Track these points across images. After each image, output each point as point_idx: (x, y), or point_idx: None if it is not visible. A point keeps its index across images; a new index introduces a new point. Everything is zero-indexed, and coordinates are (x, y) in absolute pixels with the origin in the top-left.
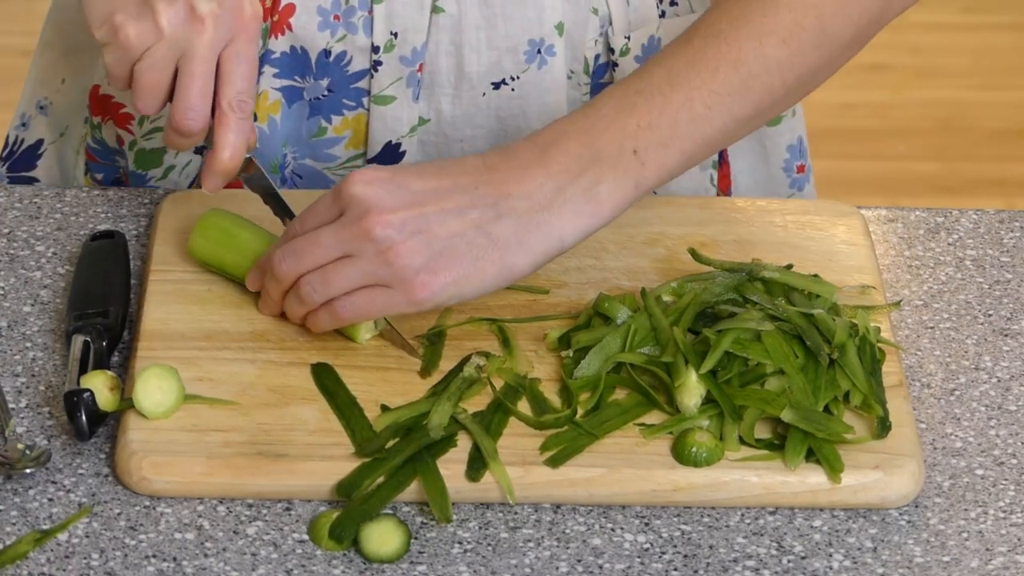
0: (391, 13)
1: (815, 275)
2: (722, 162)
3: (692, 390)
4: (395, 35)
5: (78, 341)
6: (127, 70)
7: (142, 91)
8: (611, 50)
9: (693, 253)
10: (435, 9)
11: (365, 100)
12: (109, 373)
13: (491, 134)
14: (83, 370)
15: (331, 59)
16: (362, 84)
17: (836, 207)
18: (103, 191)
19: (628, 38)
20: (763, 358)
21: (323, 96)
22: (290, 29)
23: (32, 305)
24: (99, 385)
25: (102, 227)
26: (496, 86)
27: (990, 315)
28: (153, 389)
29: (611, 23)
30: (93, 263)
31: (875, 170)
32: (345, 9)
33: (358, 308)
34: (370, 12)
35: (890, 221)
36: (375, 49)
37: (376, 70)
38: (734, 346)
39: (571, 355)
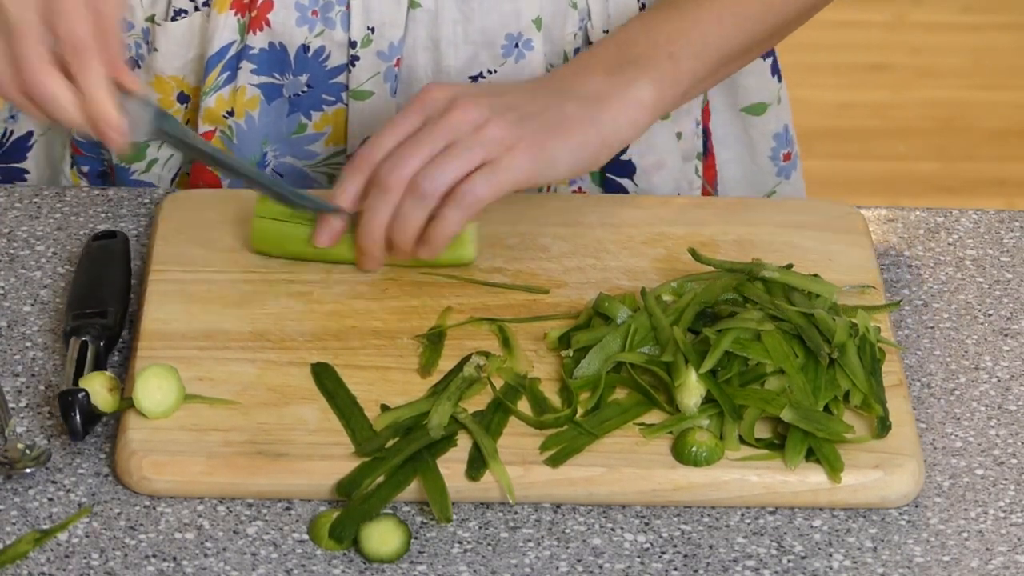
0: (368, 8)
1: (815, 275)
2: (707, 153)
3: (692, 390)
4: (372, 30)
5: (76, 341)
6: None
7: (35, 74)
8: (590, 43)
9: (693, 253)
10: (412, 4)
11: (344, 95)
12: (108, 374)
13: None
14: (81, 370)
15: (309, 54)
16: (340, 79)
17: (836, 207)
18: (103, 191)
19: (607, 32)
20: (763, 358)
21: (302, 92)
22: (268, 25)
23: (32, 305)
24: (98, 386)
25: (102, 227)
26: (474, 79)
27: (990, 315)
28: (153, 389)
29: (590, 17)
30: (93, 263)
31: (875, 170)
32: (323, 4)
33: (479, 189)
34: (347, 7)
35: (890, 221)
36: (352, 44)
37: (353, 65)
38: (734, 346)
39: (571, 355)
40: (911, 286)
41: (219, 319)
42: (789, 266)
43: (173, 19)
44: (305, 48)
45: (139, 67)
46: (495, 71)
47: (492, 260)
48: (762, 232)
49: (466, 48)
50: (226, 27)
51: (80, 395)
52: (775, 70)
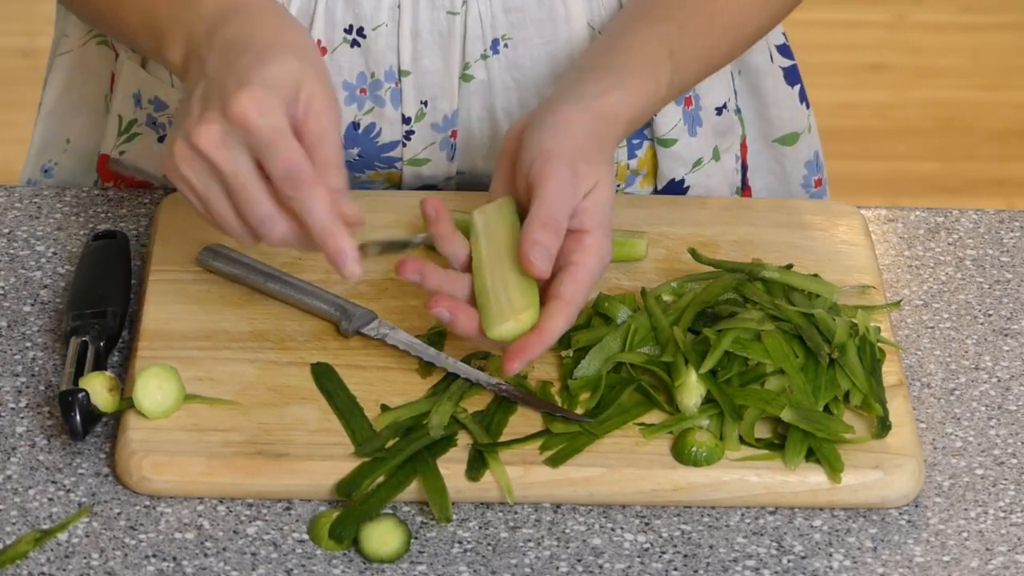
0: (420, 84)
1: (815, 275)
2: (744, 186)
3: (692, 390)
4: (425, 103)
5: (76, 341)
6: (228, 209)
7: (260, 225)
8: None
9: (693, 253)
10: (464, 76)
11: (398, 164)
12: (108, 374)
13: None
14: (81, 370)
15: (360, 131)
16: (395, 153)
17: (836, 207)
18: (103, 191)
19: None
20: (763, 358)
21: (354, 160)
22: None
23: (32, 305)
24: (98, 386)
25: (102, 227)
26: None
27: (990, 315)
28: (153, 389)
29: None
30: (93, 263)
31: (875, 170)
32: (371, 83)
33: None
34: (397, 84)
35: (890, 221)
36: (406, 120)
37: (408, 139)
38: (734, 346)
39: (571, 355)
40: (911, 286)
41: (219, 319)
42: (789, 266)
43: None
44: (355, 125)
45: None
46: None
47: None
48: (762, 232)
49: (521, 113)
50: None
51: (80, 395)
52: (803, 97)
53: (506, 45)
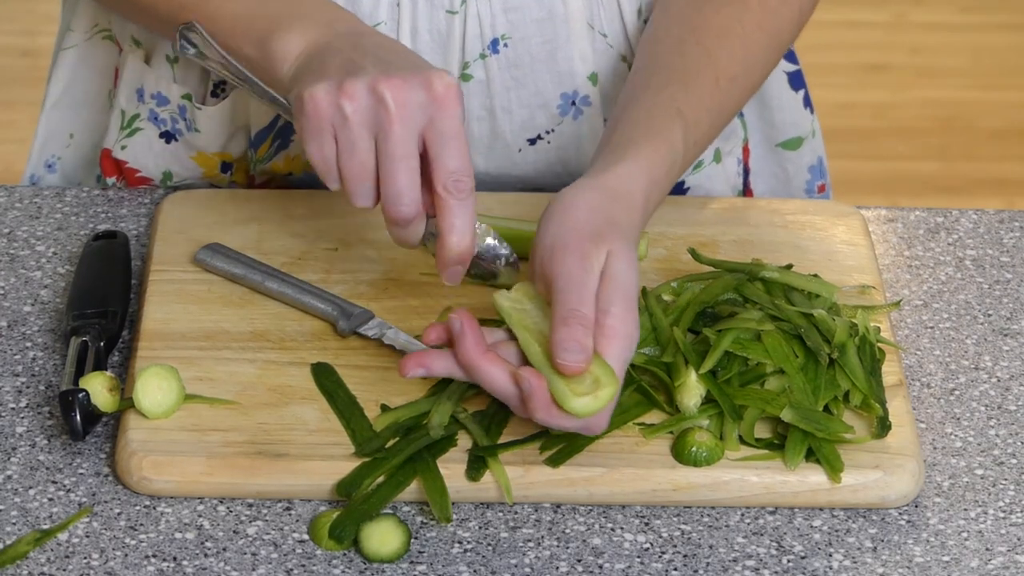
0: None
1: (815, 275)
2: (745, 190)
3: (692, 390)
4: None
5: (76, 341)
6: (328, 154)
7: (349, 181)
8: None
9: (693, 253)
10: (463, 76)
11: None
12: (108, 374)
13: (525, 185)
14: (81, 370)
15: None
16: None
17: (836, 207)
18: (103, 191)
19: None
20: (763, 358)
21: None
22: None
23: (32, 305)
24: (98, 386)
25: (102, 227)
26: (532, 142)
27: (990, 315)
28: (153, 389)
29: None
30: (93, 263)
31: (875, 170)
32: None
33: None
34: None
35: (890, 221)
36: None
37: None
38: (734, 346)
39: None
40: (911, 286)
41: (219, 319)
42: (789, 266)
43: (214, 94)
44: None
45: (177, 141)
46: (552, 131)
47: None
48: (762, 232)
49: (521, 112)
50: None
51: (80, 395)
52: (807, 102)
53: (506, 44)
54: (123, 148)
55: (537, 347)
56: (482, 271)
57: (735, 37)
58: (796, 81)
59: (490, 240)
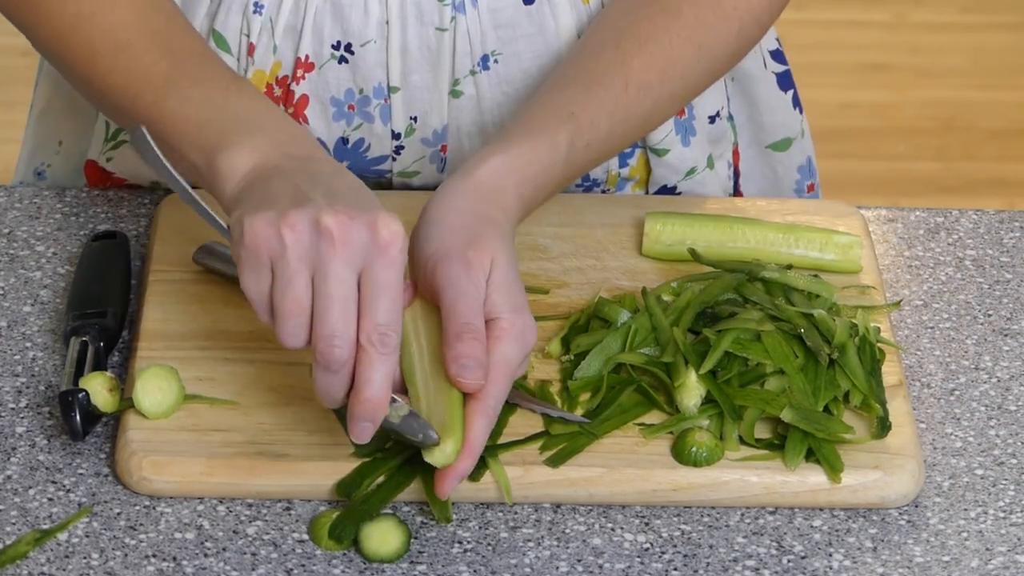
0: (409, 100)
1: (815, 275)
2: (736, 193)
3: (692, 390)
4: (414, 119)
5: (76, 341)
6: (264, 288)
7: (281, 317)
8: None
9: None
10: (453, 92)
11: (388, 175)
12: (108, 374)
13: None
14: (81, 370)
15: (349, 146)
16: (384, 167)
17: (836, 207)
18: (103, 191)
19: None
20: (763, 358)
21: None
22: (305, 121)
23: (32, 305)
24: (98, 386)
25: (102, 227)
26: None
27: (990, 315)
28: (153, 389)
29: None
30: (93, 263)
31: (875, 170)
32: (359, 99)
33: None
34: (387, 100)
35: (890, 221)
36: (395, 135)
37: (398, 154)
38: (734, 346)
39: (571, 358)
40: (911, 286)
41: (219, 319)
42: (789, 266)
43: None
44: (344, 140)
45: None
46: None
47: None
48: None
49: None
50: None
51: (80, 395)
52: (796, 102)
53: (496, 61)
54: (108, 160)
55: (419, 388)
56: (404, 440)
57: (658, 45)
58: (785, 82)
59: (410, 419)
